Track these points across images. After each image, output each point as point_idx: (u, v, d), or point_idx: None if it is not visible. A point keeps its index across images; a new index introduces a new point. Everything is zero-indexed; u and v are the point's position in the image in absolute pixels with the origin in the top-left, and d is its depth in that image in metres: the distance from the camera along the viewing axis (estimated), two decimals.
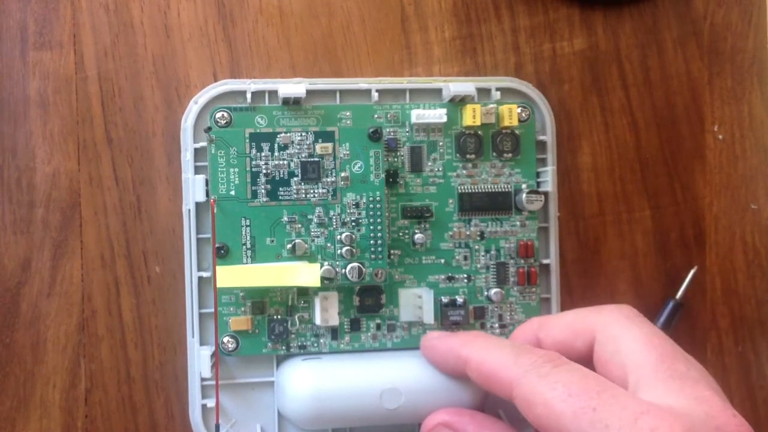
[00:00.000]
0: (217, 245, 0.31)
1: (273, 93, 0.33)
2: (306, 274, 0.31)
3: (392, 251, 0.33)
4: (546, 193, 0.34)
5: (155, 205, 0.33)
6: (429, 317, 0.33)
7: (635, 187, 0.36)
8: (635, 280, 0.36)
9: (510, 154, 0.34)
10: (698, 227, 0.36)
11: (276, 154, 0.32)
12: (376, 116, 0.33)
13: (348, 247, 0.32)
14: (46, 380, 0.33)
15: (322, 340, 0.32)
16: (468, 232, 0.33)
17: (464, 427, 0.28)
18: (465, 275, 0.33)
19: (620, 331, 0.25)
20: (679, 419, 0.21)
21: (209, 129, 0.31)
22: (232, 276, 0.31)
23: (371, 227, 0.32)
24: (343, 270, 0.32)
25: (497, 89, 0.34)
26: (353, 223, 0.32)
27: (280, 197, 0.32)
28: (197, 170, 0.32)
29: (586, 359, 0.26)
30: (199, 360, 0.32)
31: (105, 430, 0.33)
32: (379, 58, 0.35)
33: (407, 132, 0.33)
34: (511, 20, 0.35)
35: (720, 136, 0.37)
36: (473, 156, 0.33)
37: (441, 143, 0.33)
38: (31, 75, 0.33)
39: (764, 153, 0.37)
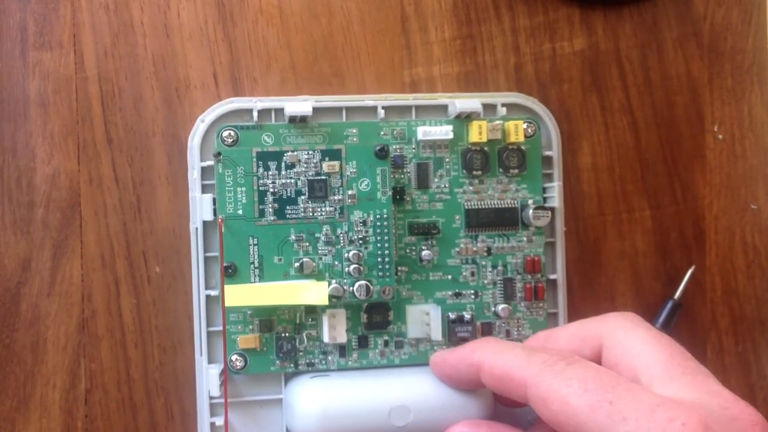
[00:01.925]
0: (225, 264, 0.31)
1: (279, 111, 0.32)
2: (314, 292, 0.31)
3: (399, 268, 0.33)
4: (552, 209, 0.34)
5: (155, 205, 0.33)
6: (437, 334, 0.33)
7: (635, 187, 0.36)
8: (635, 280, 0.36)
9: (516, 170, 0.34)
10: (698, 227, 0.36)
11: (283, 172, 0.32)
12: (382, 133, 0.33)
13: (356, 265, 0.32)
14: (46, 380, 0.33)
15: (330, 358, 0.32)
16: (475, 248, 0.33)
17: None
18: (472, 291, 0.33)
19: (627, 335, 0.26)
20: (695, 409, 0.21)
21: (219, 154, 0.31)
22: (241, 295, 0.31)
23: (378, 245, 0.32)
24: (351, 288, 0.32)
25: (503, 105, 0.34)
26: (360, 241, 0.32)
27: (288, 216, 0.32)
28: (204, 189, 0.32)
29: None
30: (208, 378, 0.32)
31: (105, 430, 0.33)
32: (379, 58, 0.35)
33: (413, 149, 0.33)
34: (511, 20, 0.35)
35: (720, 136, 0.37)
36: (480, 172, 0.33)
37: (447, 160, 0.33)
38: (31, 75, 0.33)
39: (764, 153, 0.37)
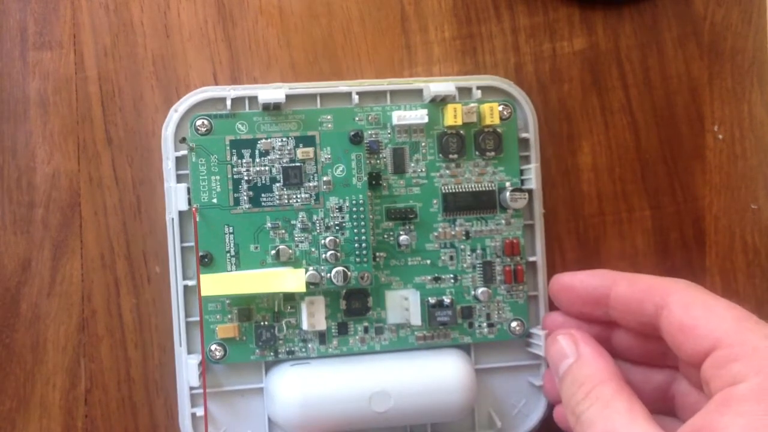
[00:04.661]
0: (200, 254, 0.31)
1: (253, 99, 0.32)
2: (291, 279, 0.31)
3: (377, 254, 0.33)
4: (530, 191, 0.34)
5: (155, 205, 0.33)
6: (416, 319, 0.33)
7: (635, 187, 0.36)
8: None
9: (493, 153, 0.33)
10: (698, 227, 0.36)
11: (257, 160, 0.32)
12: (357, 119, 0.33)
13: (332, 252, 0.32)
14: (46, 380, 0.33)
15: (310, 345, 0.32)
16: (453, 232, 0.33)
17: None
18: (451, 275, 0.33)
19: (697, 294, 0.27)
20: None
21: (184, 140, 0.31)
22: (217, 284, 0.31)
23: (355, 230, 0.32)
24: (329, 274, 0.32)
25: (478, 88, 0.34)
26: (337, 227, 0.32)
27: (263, 203, 0.32)
28: (180, 179, 0.32)
29: (646, 324, 0.27)
30: (187, 369, 0.32)
31: (105, 430, 0.33)
32: (379, 58, 0.35)
33: (389, 134, 0.33)
34: (511, 20, 0.35)
35: (720, 136, 0.37)
36: (456, 156, 0.33)
37: (423, 144, 0.33)
38: (31, 75, 0.33)
39: (764, 153, 0.37)
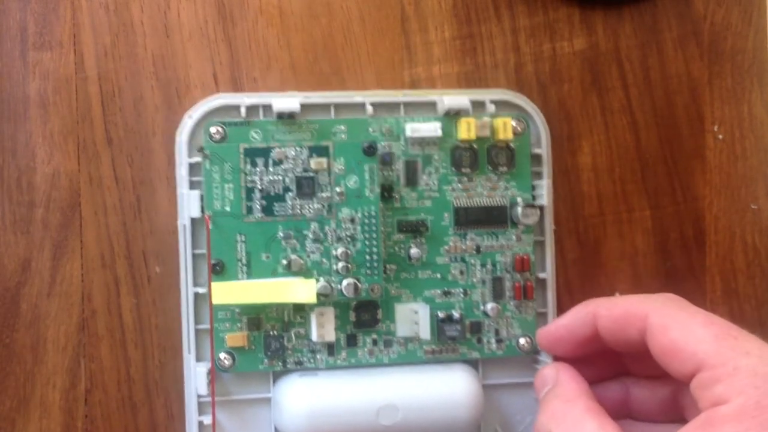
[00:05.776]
0: (212, 262, 0.31)
1: (268, 107, 0.32)
2: (302, 290, 0.31)
3: (388, 266, 0.33)
4: (542, 207, 0.33)
5: (155, 205, 0.33)
6: (425, 332, 0.33)
7: (635, 187, 0.36)
8: (635, 280, 0.36)
9: (505, 168, 0.33)
10: (698, 227, 0.36)
11: (271, 169, 0.32)
12: (370, 130, 0.33)
13: (344, 263, 0.32)
14: (46, 380, 0.33)
15: (318, 356, 0.32)
16: (464, 246, 0.33)
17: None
18: (461, 289, 0.33)
19: (674, 314, 0.26)
20: None
21: (202, 149, 0.31)
22: (228, 292, 0.31)
23: (367, 242, 0.32)
24: (339, 286, 0.32)
25: (492, 102, 0.33)
26: (349, 239, 0.32)
27: (276, 213, 0.32)
28: (192, 185, 0.32)
29: (639, 346, 0.27)
30: (196, 377, 0.32)
31: (105, 430, 0.33)
32: (379, 58, 0.35)
33: (402, 146, 0.33)
34: (511, 20, 0.35)
35: (720, 136, 0.37)
36: (468, 170, 0.33)
37: (436, 157, 0.33)
38: (31, 75, 0.33)
39: (764, 153, 0.37)
